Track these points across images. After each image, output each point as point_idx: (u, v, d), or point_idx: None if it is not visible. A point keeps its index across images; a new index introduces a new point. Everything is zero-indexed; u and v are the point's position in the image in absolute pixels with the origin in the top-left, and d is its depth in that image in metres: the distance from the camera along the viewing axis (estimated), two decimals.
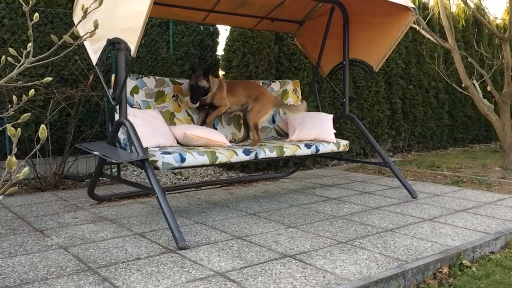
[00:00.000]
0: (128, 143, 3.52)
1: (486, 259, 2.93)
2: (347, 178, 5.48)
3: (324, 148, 4.32)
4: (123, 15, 3.03)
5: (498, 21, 9.95)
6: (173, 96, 4.25)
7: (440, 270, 2.67)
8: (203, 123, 4.27)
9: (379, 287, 2.35)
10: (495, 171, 6.05)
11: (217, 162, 3.52)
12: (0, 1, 4.89)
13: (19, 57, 1.67)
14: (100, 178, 4.87)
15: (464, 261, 2.79)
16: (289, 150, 4.01)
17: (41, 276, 2.38)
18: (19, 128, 1.44)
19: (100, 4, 1.68)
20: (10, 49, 1.71)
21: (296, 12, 5.16)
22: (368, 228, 3.29)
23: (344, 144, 4.53)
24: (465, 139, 9.50)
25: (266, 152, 3.86)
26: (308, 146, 4.19)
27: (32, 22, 1.62)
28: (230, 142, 4.20)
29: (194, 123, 4.29)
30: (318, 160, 6.55)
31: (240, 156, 3.68)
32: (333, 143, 4.42)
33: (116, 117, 3.71)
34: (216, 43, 6.64)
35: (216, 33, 6.62)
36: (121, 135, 3.57)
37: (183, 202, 4.16)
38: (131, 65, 3.11)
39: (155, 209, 3.86)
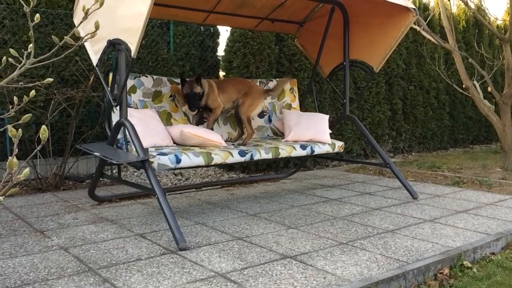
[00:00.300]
0: (124, 142, 3.52)
1: (487, 260, 2.93)
2: (347, 179, 5.48)
3: (319, 149, 4.33)
4: (123, 16, 3.03)
5: (499, 22, 9.95)
6: (170, 96, 4.26)
7: (441, 271, 2.66)
8: (197, 124, 4.30)
9: None
10: (496, 171, 6.05)
11: (213, 163, 3.54)
12: (1, 2, 4.90)
13: (20, 58, 1.67)
14: (101, 179, 4.86)
15: (465, 262, 2.79)
16: (284, 151, 4.03)
17: (41, 277, 2.37)
18: (20, 129, 1.44)
19: (101, 5, 1.69)
20: (11, 50, 1.72)
21: (296, 13, 5.16)
22: (369, 229, 3.29)
23: (339, 145, 4.53)
24: (466, 139, 9.49)
25: (262, 154, 3.87)
26: (303, 147, 4.20)
27: (33, 23, 1.62)
28: (226, 141, 4.22)
29: (191, 124, 4.31)
30: (319, 161, 6.55)
31: (235, 157, 3.69)
32: (328, 144, 4.43)
33: (113, 116, 3.72)
34: (217, 44, 6.64)
35: (216, 34, 6.62)
36: (119, 133, 3.58)
37: (184, 203, 4.16)
38: (131, 66, 3.12)
39: (156, 209, 3.86)
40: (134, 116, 3.60)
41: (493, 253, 3.04)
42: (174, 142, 3.86)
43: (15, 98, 1.71)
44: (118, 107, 3.36)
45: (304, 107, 5.35)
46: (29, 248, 2.86)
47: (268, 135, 4.92)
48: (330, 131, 4.58)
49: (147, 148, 3.30)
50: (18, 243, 2.95)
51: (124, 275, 2.40)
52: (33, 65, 1.65)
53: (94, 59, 3.46)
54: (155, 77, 4.23)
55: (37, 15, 1.66)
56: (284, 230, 3.26)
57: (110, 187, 4.94)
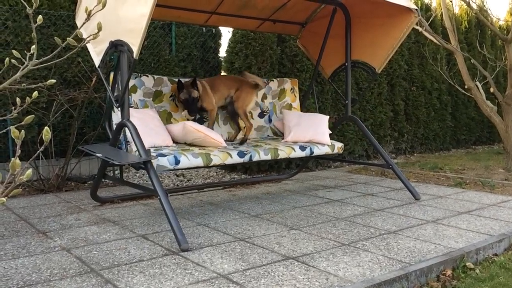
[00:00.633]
0: (124, 142, 3.53)
1: (490, 261, 2.92)
2: (349, 180, 5.47)
3: (318, 151, 4.33)
4: (125, 17, 3.03)
5: (501, 23, 9.93)
6: (171, 96, 4.27)
7: (444, 272, 2.66)
8: None
9: None
10: (498, 172, 6.03)
11: (212, 164, 3.54)
12: (4, 4, 4.91)
13: (23, 59, 1.67)
14: (103, 180, 4.87)
15: (467, 263, 2.78)
16: (283, 152, 4.03)
17: (44, 278, 2.38)
18: (22, 130, 1.44)
19: (103, 6, 1.69)
20: (14, 51, 1.72)
21: (298, 14, 5.16)
22: (371, 230, 3.28)
23: (339, 146, 4.53)
24: (468, 140, 9.48)
25: (261, 155, 3.88)
26: (302, 148, 4.20)
27: (36, 24, 1.62)
28: (226, 141, 4.24)
29: None
30: (321, 161, 6.54)
31: (234, 158, 3.69)
32: (328, 145, 4.43)
33: (114, 116, 3.72)
34: (219, 45, 6.64)
35: (218, 35, 6.63)
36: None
37: (186, 204, 4.16)
38: (133, 67, 3.12)
39: (158, 210, 3.86)
40: (135, 116, 3.60)
41: (496, 254, 3.03)
42: (174, 142, 3.87)
43: (17, 99, 1.72)
44: (120, 108, 3.36)
45: (305, 108, 5.34)
46: (31, 249, 2.86)
47: (268, 135, 4.92)
48: (331, 132, 4.58)
49: (149, 149, 3.30)
50: (21, 244, 2.95)
51: (126, 276, 2.40)
52: (36, 67, 1.66)
53: (97, 60, 3.46)
54: (155, 77, 4.24)
55: (40, 16, 1.66)
56: (286, 231, 3.26)
57: (112, 188, 4.94)
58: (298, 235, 3.15)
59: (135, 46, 2.96)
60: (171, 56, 6.09)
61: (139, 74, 4.14)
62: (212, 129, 4.36)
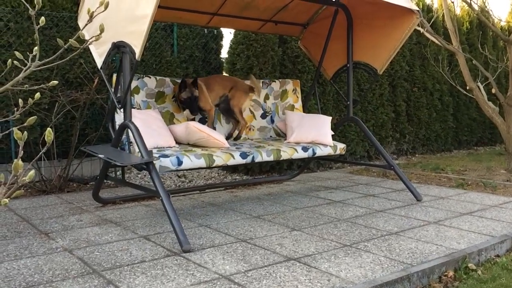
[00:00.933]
0: (127, 143, 3.53)
1: (492, 263, 2.92)
2: (351, 181, 5.47)
3: (321, 152, 4.33)
4: (128, 18, 3.04)
5: (503, 24, 9.92)
6: (173, 96, 4.27)
7: (446, 273, 2.66)
8: None
9: None
10: (500, 173, 6.02)
11: (214, 165, 3.54)
12: (6, 5, 4.92)
13: (25, 61, 1.67)
14: (105, 181, 4.88)
15: (469, 265, 2.78)
16: (286, 153, 4.04)
17: (46, 279, 2.38)
18: (25, 132, 1.45)
19: (106, 8, 1.69)
20: (16, 53, 1.72)
21: (300, 15, 5.16)
22: (373, 231, 3.28)
23: (341, 147, 4.53)
24: (470, 141, 9.46)
25: (263, 156, 3.88)
26: (305, 149, 4.21)
27: (38, 26, 1.63)
28: (227, 139, 4.26)
29: None
30: (322, 162, 6.54)
31: (237, 159, 3.69)
32: (330, 146, 4.43)
33: (116, 117, 3.73)
34: (220, 46, 6.65)
35: (220, 36, 6.63)
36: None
37: (187, 205, 4.16)
38: (136, 68, 3.13)
39: (160, 211, 3.86)
40: (137, 117, 3.61)
41: (498, 256, 3.03)
42: (177, 142, 3.87)
43: (20, 100, 1.72)
44: (122, 109, 3.37)
45: (307, 109, 5.34)
46: (33, 250, 2.86)
47: (270, 136, 4.93)
48: (333, 133, 4.58)
49: (151, 150, 3.31)
50: (23, 245, 2.96)
51: (128, 277, 2.40)
52: (38, 68, 1.66)
53: (99, 61, 3.47)
54: (158, 78, 4.25)
55: (42, 18, 1.67)
56: (288, 232, 3.26)
57: (114, 189, 4.95)
58: (299, 236, 3.15)
59: (137, 48, 2.97)
60: (173, 57, 6.10)
61: (142, 76, 4.15)
62: (214, 128, 4.37)
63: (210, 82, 4.47)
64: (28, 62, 1.66)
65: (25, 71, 1.65)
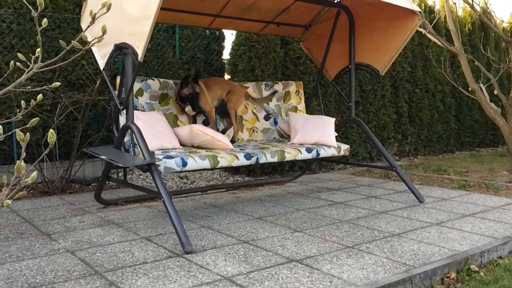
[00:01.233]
0: (131, 145, 3.54)
1: (494, 264, 2.91)
2: (353, 182, 5.47)
3: (325, 153, 4.34)
4: (130, 20, 3.05)
5: (505, 25, 9.91)
6: (176, 99, 4.28)
7: (448, 275, 2.65)
8: None
9: None
10: (503, 175, 6.01)
11: (218, 166, 3.55)
12: (8, 7, 4.94)
13: (28, 62, 1.68)
14: (107, 182, 4.88)
15: (472, 266, 2.77)
16: (290, 155, 4.04)
17: (48, 280, 2.38)
18: (27, 133, 1.45)
19: (108, 9, 1.70)
20: (19, 54, 1.73)
21: (302, 16, 5.17)
22: (375, 233, 3.28)
23: (345, 148, 4.53)
24: (472, 143, 9.45)
25: (267, 157, 3.88)
26: (309, 150, 4.21)
27: (41, 27, 1.63)
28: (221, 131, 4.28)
29: None
30: (324, 164, 6.54)
31: (241, 160, 3.70)
32: (334, 147, 4.43)
33: (121, 119, 3.73)
34: (222, 48, 6.66)
35: (222, 38, 6.64)
36: (126, 136, 3.60)
37: (189, 206, 4.16)
38: (138, 69, 3.13)
39: (161, 213, 3.87)
40: (141, 119, 3.62)
41: (500, 257, 3.03)
42: (181, 144, 3.88)
43: (22, 102, 1.73)
44: (124, 111, 3.37)
45: (309, 110, 5.34)
46: (36, 251, 2.87)
47: (274, 138, 4.93)
48: (336, 134, 4.58)
49: (153, 152, 3.31)
50: (25, 246, 2.96)
51: (130, 278, 2.40)
52: (41, 69, 1.66)
53: (101, 63, 3.48)
54: (161, 80, 4.25)
55: (45, 19, 1.68)
56: (289, 233, 3.26)
57: (116, 190, 4.95)
58: (301, 238, 3.14)
59: (139, 49, 2.98)
60: (174, 58, 6.11)
61: (145, 78, 4.16)
62: (218, 130, 4.38)
63: (210, 83, 4.49)
64: (30, 63, 1.66)
65: (28, 72, 1.65)
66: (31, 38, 5.01)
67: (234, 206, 4.16)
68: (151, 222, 3.58)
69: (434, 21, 7.68)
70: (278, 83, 5.09)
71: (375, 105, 7.31)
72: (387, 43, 4.53)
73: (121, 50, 3.20)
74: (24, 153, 1.41)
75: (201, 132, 3.76)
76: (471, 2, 6.26)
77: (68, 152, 5.06)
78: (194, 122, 4.36)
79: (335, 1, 4.72)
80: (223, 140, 3.84)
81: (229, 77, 6.31)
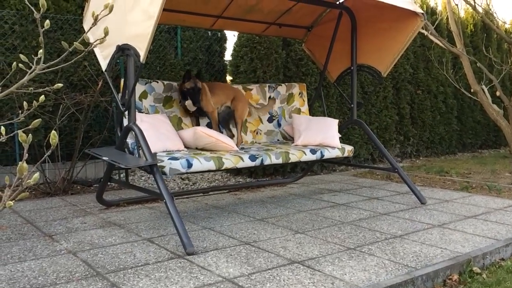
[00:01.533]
0: (136, 147, 3.54)
1: (497, 266, 2.91)
2: (355, 184, 5.46)
3: (329, 154, 4.34)
4: (132, 21, 3.05)
5: (507, 26, 9.90)
6: (180, 101, 4.27)
7: (450, 277, 2.64)
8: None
9: None
10: (505, 176, 6.00)
11: (223, 167, 3.55)
12: (11, 8, 4.95)
13: (30, 64, 1.68)
14: (109, 183, 4.89)
15: (474, 268, 2.76)
16: (294, 156, 4.04)
17: (50, 281, 2.38)
18: (30, 134, 1.45)
19: (110, 11, 1.70)
20: (21, 56, 1.73)
21: (304, 17, 5.17)
22: (377, 234, 3.27)
23: (349, 149, 4.53)
24: (474, 144, 9.43)
25: (272, 159, 3.88)
26: (313, 151, 4.21)
27: (43, 29, 1.63)
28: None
29: None
30: (326, 165, 6.53)
31: (246, 162, 3.70)
32: (338, 148, 4.43)
33: (125, 122, 3.73)
34: (224, 49, 6.66)
35: (223, 39, 6.65)
36: (129, 139, 3.60)
37: (191, 207, 4.16)
38: (140, 71, 3.13)
39: (163, 214, 3.87)
40: (145, 121, 3.62)
41: (502, 259, 3.02)
42: (185, 146, 3.88)
43: (24, 103, 1.73)
44: (126, 112, 3.38)
45: (311, 112, 5.34)
46: (37, 252, 2.87)
47: (277, 140, 4.92)
48: (340, 136, 4.58)
49: (155, 153, 3.31)
50: (27, 247, 2.96)
51: (132, 280, 2.40)
52: (43, 71, 1.67)
53: (103, 64, 3.48)
54: (165, 82, 4.24)
55: (47, 21, 1.68)
56: (291, 235, 3.26)
57: (118, 191, 4.96)
58: (303, 239, 3.14)
59: (142, 50, 2.98)
60: (176, 60, 6.11)
61: (149, 80, 4.14)
62: (222, 132, 4.35)
63: (214, 87, 4.45)
64: (32, 65, 1.66)
65: (30, 74, 1.65)
66: (33, 39, 5.02)
67: (236, 208, 4.15)
68: (153, 223, 3.59)
69: (436, 22, 7.67)
70: (281, 85, 5.09)
71: (377, 106, 7.31)
72: (389, 44, 4.53)
73: (123, 51, 3.21)
74: (26, 154, 1.41)
75: (205, 134, 3.75)
76: (473, 4, 6.26)
77: (70, 153, 5.06)
78: (198, 124, 4.35)
79: (337, 3, 4.72)
80: (228, 141, 3.84)
81: (230, 78, 6.31)
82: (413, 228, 3.44)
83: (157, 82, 4.18)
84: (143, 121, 3.58)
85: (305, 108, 5.19)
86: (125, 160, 3.35)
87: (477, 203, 4.36)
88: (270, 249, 2.93)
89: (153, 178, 4.84)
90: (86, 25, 3.84)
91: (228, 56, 6.56)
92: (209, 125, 4.38)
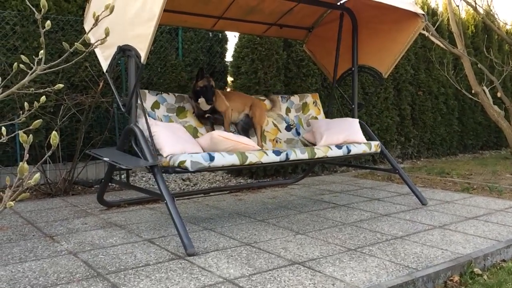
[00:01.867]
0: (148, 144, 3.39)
1: (498, 267, 2.90)
2: (356, 185, 5.46)
3: (355, 149, 4.11)
4: (133, 22, 3.05)
5: (508, 27, 9.90)
6: (194, 111, 4.20)
7: (451, 278, 2.64)
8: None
9: None
10: (506, 177, 5.99)
11: (247, 162, 3.35)
12: (12, 9, 4.96)
13: (31, 64, 1.68)
14: (109, 184, 4.89)
15: (475, 269, 2.76)
16: (320, 151, 3.83)
17: (51, 282, 2.38)
18: (30, 135, 1.45)
19: (111, 12, 1.70)
20: (22, 56, 1.73)
21: (305, 18, 5.17)
22: (378, 235, 3.27)
23: (375, 144, 4.32)
24: (475, 145, 9.43)
25: (297, 154, 3.67)
26: (339, 147, 4.01)
27: (44, 29, 1.64)
28: None
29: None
30: (327, 166, 6.53)
31: (270, 156, 3.48)
32: (364, 143, 4.24)
33: (142, 123, 3.62)
34: (225, 50, 6.67)
35: (224, 40, 6.65)
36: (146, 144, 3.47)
37: (192, 208, 4.16)
38: (141, 72, 3.14)
39: (164, 215, 3.86)
40: (161, 125, 3.50)
41: (503, 260, 3.01)
42: (204, 151, 3.74)
43: (25, 103, 1.73)
44: (127, 113, 3.37)
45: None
46: (38, 252, 2.87)
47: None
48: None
49: (156, 154, 3.30)
50: (28, 248, 2.96)
51: (132, 280, 2.40)
52: (44, 71, 1.67)
53: (104, 65, 3.48)
54: (176, 94, 4.15)
55: (48, 21, 1.68)
56: (292, 236, 3.25)
57: (119, 192, 4.96)
58: (304, 240, 3.14)
59: (142, 51, 2.98)
60: (177, 60, 6.12)
61: (160, 92, 4.07)
62: (232, 131, 4.28)
63: (230, 94, 4.42)
64: (34, 65, 1.66)
65: (31, 74, 1.65)
66: (34, 40, 5.02)
67: (237, 208, 4.15)
68: (153, 224, 3.59)
69: (437, 23, 7.68)
70: (294, 96, 4.98)
71: (378, 107, 7.31)
72: (390, 45, 4.53)
73: (124, 52, 3.21)
74: (27, 155, 1.41)
75: (223, 138, 3.54)
76: (474, 5, 6.26)
77: (71, 154, 5.07)
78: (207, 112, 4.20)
79: (338, 4, 4.72)
80: (248, 142, 3.64)
81: (231, 79, 6.31)
82: (414, 229, 3.44)
83: (168, 94, 4.10)
84: (158, 125, 3.48)
85: (321, 116, 5.06)
86: (126, 161, 3.35)
87: (478, 204, 4.36)
88: (270, 250, 2.93)
89: (154, 179, 4.84)
90: (87, 26, 3.85)
91: (229, 57, 6.58)
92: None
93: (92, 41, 1.76)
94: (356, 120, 4.53)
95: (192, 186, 5.51)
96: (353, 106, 4.88)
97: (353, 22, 4.76)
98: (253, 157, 3.38)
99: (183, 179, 5.83)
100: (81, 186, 5.12)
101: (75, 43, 1.66)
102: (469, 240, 3.18)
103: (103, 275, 2.49)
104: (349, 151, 4.06)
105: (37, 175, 1.39)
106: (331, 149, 3.94)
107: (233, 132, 4.27)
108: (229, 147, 3.55)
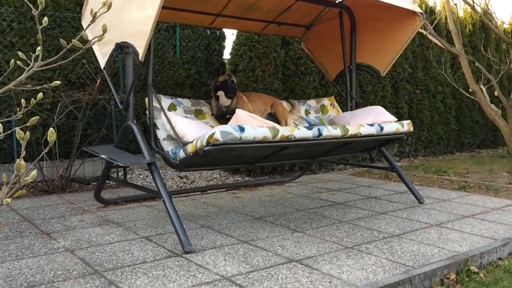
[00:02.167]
0: (176, 152, 3.29)
1: (494, 266, 2.91)
2: (353, 183, 5.47)
3: (388, 127, 3.83)
4: (131, 19, 3.05)
5: (506, 26, 9.91)
6: (212, 114, 4.16)
7: (448, 276, 2.65)
8: None
9: None
10: (503, 176, 6.01)
11: (279, 135, 3.10)
12: (9, 5, 4.94)
13: (28, 61, 1.68)
14: (107, 181, 4.88)
15: (471, 267, 2.77)
16: (352, 128, 3.58)
17: (47, 279, 2.38)
18: (27, 132, 1.45)
19: (109, 8, 1.69)
20: (19, 53, 1.73)
21: (303, 16, 5.16)
22: (375, 233, 3.28)
23: (407, 123, 4.04)
24: (472, 144, 9.45)
25: (330, 130, 3.42)
26: (371, 125, 3.73)
27: (42, 26, 1.63)
28: None
29: None
30: (324, 164, 6.54)
31: (302, 131, 3.24)
32: (396, 121, 4.02)
33: (158, 132, 3.54)
34: (223, 47, 6.66)
35: (222, 37, 6.64)
36: (169, 146, 3.39)
37: (189, 206, 4.16)
38: (139, 69, 3.13)
39: (161, 212, 3.86)
40: (180, 115, 3.38)
41: (500, 259, 3.02)
42: None
43: (22, 100, 1.72)
44: (124, 110, 3.37)
45: None
46: (35, 250, 2.87)
47: None
48: None
49: (153, 151, 3.30)
50: (25, 245, 2.96)
51: (129, 278, 2.40)
52: (41, 68, 1.66)
53: (102, 62, 3.48)
54: (191, 99, 4.13)
55: (45, 18, 1.67)
56: (289, 233, 3.26)
57: (116, 189, 4.95)
58: (301, 238, 3.14)
59: (140, 48, 2.98)
60: (175, 58, 6.10)
61: (175, 96, 4.04)
62: None
63: (251, 95, 4.43)
64: (30, 62, 1.66)
65: (28, 71, 1.65)
66: (31, 36, 5.01)
67: (234, 206, 4.15)
68: (150, 221, 3.58)
69: (435, 22, 7.68)
70: (310, 100, 4.94)
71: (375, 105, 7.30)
72: (388, 44, 4.53)
73: (122, 49, 3.20)
74: (24, 152, 1.41)
75: (248, 116, 3.32)
76: (472, 3, 6.26)
77: (68, 151, 5.06)
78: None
79: (337, 1, 4.72)
80: (275, 125, 3.39)
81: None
82: (411, 227, 3.45)
83: (183, 98, 4.08)
84: (177, 115, 3.37)
85: None
86: (123, 158, 3.34)
87: (474, 203, 4.37)
88: (268, 247, 2.93)
89: (151, 177, 4.83)
90: (84, 23, 3.84)
91: (226, 54, 6.57)
92: None
93: (90, 38, 1.75)
94: (380, 107, 4.38)
95: (189, 184, 5.50)
96: (351, 104, 4.88)
97: (351, 20, 4.76)
98: (284, 131, 3.13)
99: (181, 177, 5.82)
100: (78, 183, 5.11)
101: (73, 40, 1.65)
102: (466, 238, 3.18)
103: (100, 272, 2.48)
104: (381, 128, 3.78)
105: (34, 172, 1.39)
106: (363, 126, 3.66)
107: None
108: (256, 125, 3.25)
